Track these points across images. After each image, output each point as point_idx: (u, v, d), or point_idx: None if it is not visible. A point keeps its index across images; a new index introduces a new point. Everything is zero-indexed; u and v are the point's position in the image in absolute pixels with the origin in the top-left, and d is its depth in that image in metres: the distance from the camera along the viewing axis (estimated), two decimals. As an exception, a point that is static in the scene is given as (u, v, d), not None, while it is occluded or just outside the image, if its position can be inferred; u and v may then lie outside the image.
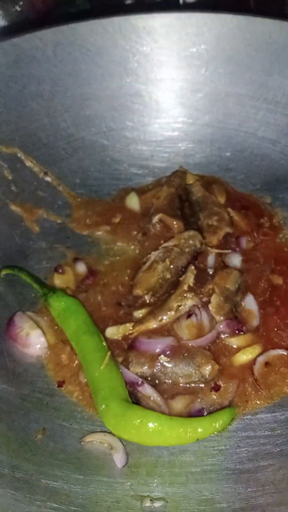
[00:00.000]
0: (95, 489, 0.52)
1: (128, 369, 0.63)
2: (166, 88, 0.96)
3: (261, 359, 0.66)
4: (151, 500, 0.51)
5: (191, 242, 0.78)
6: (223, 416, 0.59)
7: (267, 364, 0.67)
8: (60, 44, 0.92)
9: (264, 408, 0.63)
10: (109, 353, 0.63)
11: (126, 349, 0.67)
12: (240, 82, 0.94)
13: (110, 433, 0.59)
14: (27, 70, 0.90)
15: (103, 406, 0.58)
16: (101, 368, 0.61)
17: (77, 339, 0.66)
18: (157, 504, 0.51)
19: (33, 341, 0.67)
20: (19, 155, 0.86)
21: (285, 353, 0.67)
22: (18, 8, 1.21)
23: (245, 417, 0.62)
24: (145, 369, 0.63)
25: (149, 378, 0.63)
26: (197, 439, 0.57)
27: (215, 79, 0.94)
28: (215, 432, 0.58)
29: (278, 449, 0.57)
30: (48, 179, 0.89)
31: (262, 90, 0.93)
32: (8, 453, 0.55)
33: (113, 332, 0.68)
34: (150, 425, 0.55)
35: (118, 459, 0.56)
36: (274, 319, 0.72)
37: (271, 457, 0.56)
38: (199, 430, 0.57)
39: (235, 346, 0.68)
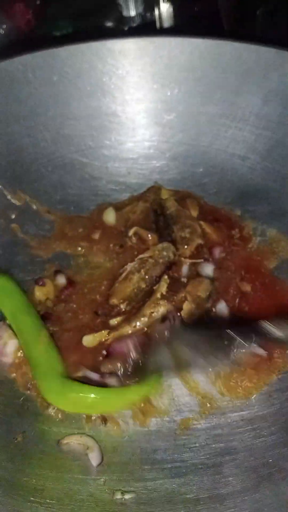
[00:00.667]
0: (70, 484, 0.56)
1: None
2: (141, 108, 1.01)
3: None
4: (122, 493, 0.55)
5: (164, 253, 0.83)
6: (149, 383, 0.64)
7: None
8: (40, 67, 0.97)
9: (232, 408, 0.67)
10: (45, 331, 0.67)
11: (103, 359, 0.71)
12: (211, 102, 0.99)
13: (86, 434, 0.62)
14: (9, 92, 0.95)
15: (43, 382, 0.63)
16: (39, 346, 0.65)
17: (15, 319, 0.69)
18: (128, 496, 0.55)
19: (10, 350, 0.71)
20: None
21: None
22: (1, 31, 1.27)
23: (214, 417, 0.66)
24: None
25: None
26: (130, 405, 0.63)
27: (187, 99, 1.00)
28: (144, 396, 0.64)
29: (243, 445, 0.61)
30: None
31: (231, 109, 0.98)
32: (-10, 454, 0.58)
33: (90, 340, 0.72)
34: (86, 396, 0.61)
35: (94, 458, 0.60)
36: (242, 324, 0.76)
37: (235, 452, 0.60)
38: (130, 396, 0.63)
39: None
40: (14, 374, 0.69)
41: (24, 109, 0.96)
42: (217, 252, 0.86)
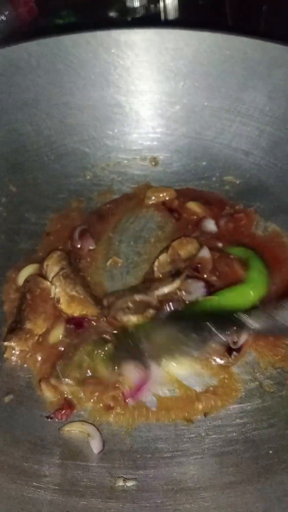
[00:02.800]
0: (73, 471, 0.56)
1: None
2: (145, 100, 1.01)
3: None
4: (123, 480, 0.55)
5: None
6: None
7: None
8: (44, 55, 0.96)
9: (231, 400, 0.67)
10: None
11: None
12: (216, 96, 0.99)
13: (88, 422, 0.63)
14: (12, 79, 0.94)
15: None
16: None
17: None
18: (129, 483, 0.55)
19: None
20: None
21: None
22: (3, 18, 1.25)
23: (213, 409, 0.66)
24: None
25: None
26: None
27: (192, 92, 1.00)
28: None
29: (243, 436, 0.62)
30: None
31: (236, 104, 0.98)
32: (-8, 440, 0.59)
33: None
34: None
35: (95, 445, 0.60)
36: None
37: (235, 443, 0.61)
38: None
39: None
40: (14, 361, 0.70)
41: (27, 96, 0.95)
42: (208, 224, 0.88)
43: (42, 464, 0.57)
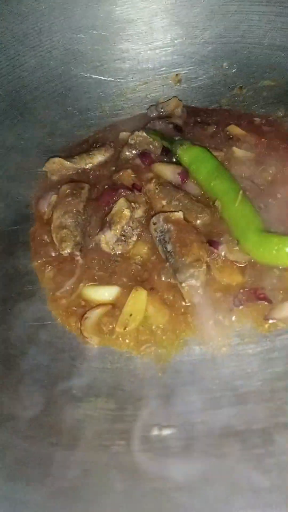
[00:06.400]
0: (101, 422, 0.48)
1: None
2: (158, 8, 0.88)
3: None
4: (159, 428, 0.46)
5: None
6: None
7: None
8: (39, -25, 0.85)
9: (286, 330, 0.56)
10: (241, 192, 0.65)
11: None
12: (239, -13, 0.84)
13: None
14: (7, 9, 0.84)
15: (242, 237, 0.62)
16: (236, 205, 0.64)
17: (209, 184, 0.69)
18: (166, 432, 0.46)
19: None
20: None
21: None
22: None
23: (267, 339, 0.56)
24: None
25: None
26: None
27: (211, -13, 0.85)
28: None
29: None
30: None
31: (265, -10, 0.83)
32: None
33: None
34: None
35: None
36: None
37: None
38: None
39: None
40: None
41: (25, 26, 0.85)
42: None
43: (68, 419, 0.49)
